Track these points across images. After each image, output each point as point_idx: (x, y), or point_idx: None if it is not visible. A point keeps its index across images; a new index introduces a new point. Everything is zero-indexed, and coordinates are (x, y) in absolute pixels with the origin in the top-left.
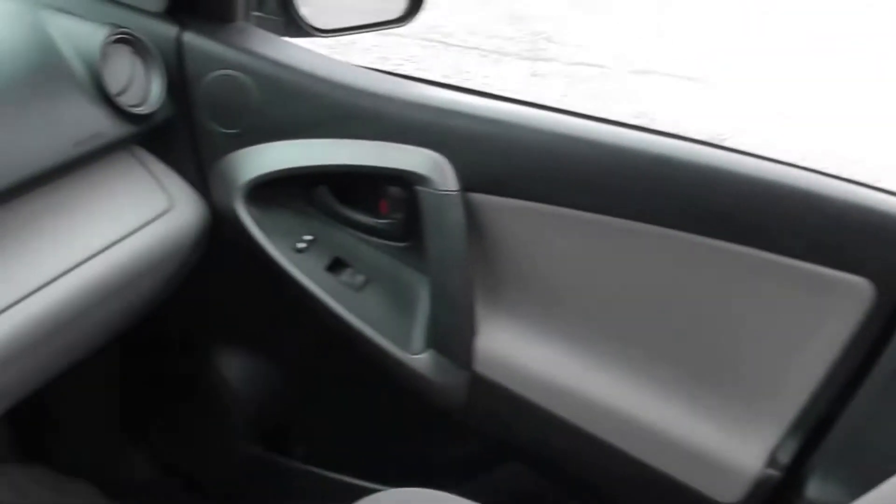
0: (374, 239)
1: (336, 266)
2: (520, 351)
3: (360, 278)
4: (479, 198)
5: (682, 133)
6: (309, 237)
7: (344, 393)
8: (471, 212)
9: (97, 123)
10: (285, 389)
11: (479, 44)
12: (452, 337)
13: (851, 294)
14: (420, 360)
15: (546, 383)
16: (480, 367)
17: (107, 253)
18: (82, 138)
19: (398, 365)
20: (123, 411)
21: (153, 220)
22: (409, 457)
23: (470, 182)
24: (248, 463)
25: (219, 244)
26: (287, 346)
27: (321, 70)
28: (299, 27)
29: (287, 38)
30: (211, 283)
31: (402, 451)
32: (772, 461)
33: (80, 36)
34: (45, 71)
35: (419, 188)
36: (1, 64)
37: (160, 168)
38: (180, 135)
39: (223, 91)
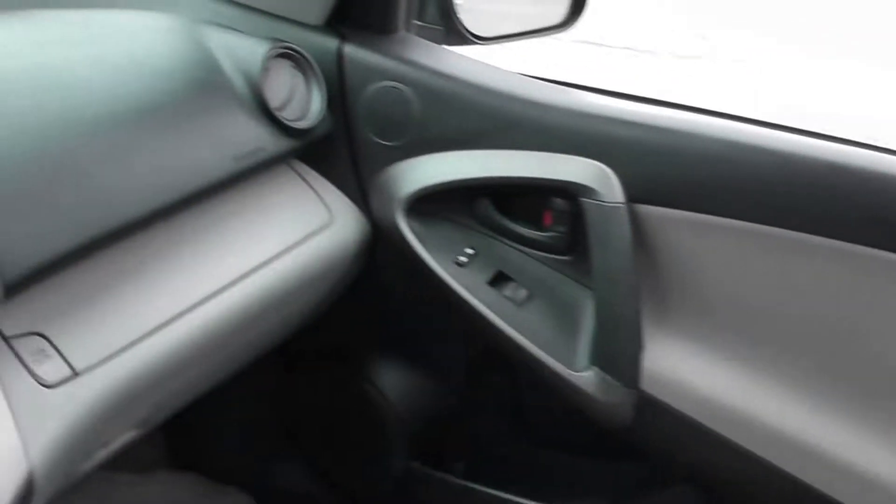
0: (537, 252)
1: (498, 280)
2: (688, 370)
3: (522, 293)
4: (645, 209)
5: (857, 139)
6: (470, 251)
7: (504, 408)
8: (637, 224)
9: (258, 138)
10: (444, 404)
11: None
12: (618, 354)
13: None
14: (584, 377)
15: (716, 405)
16: (647, 385)
17: (268, 267)
18: (243, 153)
19: (561, 382)
20: (278, 421)
21: (314, 234)
22: (570, 474)
23: (636, 193)
24: (405, 477)
25: (378, 257)
26: (446, 360)
27: (483, 79)
28: (460, 35)
29: (447, 47)
30: (370, 295)
31: (563, 469)
32: None
33: (241, 51)
34: (206, 87)
35: (584, 200)
36: (163, 81)
37: (320, 182)
38: (340, 148)
39: (384, 103)
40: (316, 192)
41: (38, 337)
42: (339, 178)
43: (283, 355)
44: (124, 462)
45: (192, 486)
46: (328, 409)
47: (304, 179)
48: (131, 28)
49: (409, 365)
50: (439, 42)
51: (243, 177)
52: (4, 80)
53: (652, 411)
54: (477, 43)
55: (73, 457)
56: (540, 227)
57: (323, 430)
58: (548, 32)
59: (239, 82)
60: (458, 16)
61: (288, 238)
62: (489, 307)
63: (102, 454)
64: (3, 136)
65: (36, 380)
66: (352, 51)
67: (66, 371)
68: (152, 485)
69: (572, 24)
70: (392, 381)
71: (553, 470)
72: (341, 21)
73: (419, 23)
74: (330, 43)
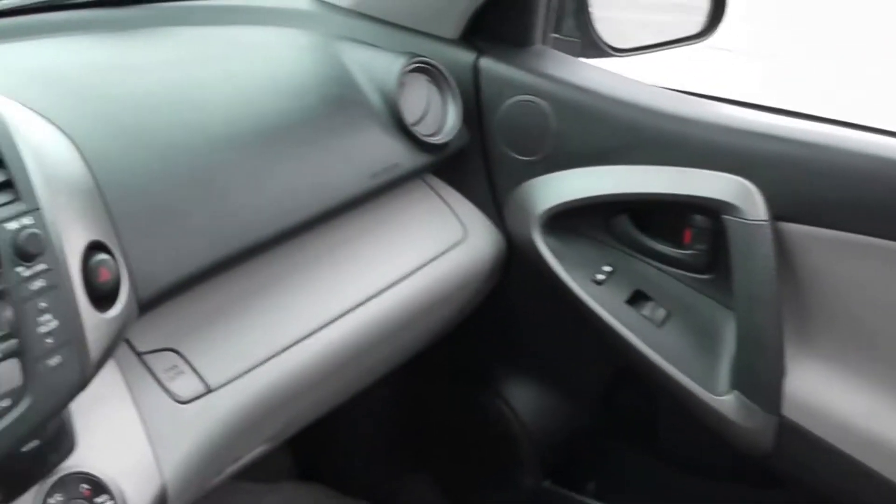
0: (677, 271)
1: (636, 299)
2: (833, 397)
3: (661, 312)
4: (790, 228)
5: None
6: (608, 268)
7: (638, 429)
8: (781, 243)
9: (394, 154)
10: (576, 423)
11: None
12: (759, 378)
13: None
14: (724, 401)
15: (860, 432)
16: (788, 411)
17: (403, 283)
18: (379, 170)
19: (700, 405)
20: (406, 436)
21: (449, 249)
22: (705, 500)
23: (781, 211)
24: (536, 496)
25: (512, 273)
26: (580, 378)
27: (622, 93)
28: (597, 47)
29: (584, 60)
30: (502, 311)
31: (697, 494)
32: None
33: (377, 66)
34: (342, 104)
35: (726, 217)
36: (300, 99)
37: (454, 197)
38: (474, 163)
39: (521, 117)
40: (450, 207)
41: (171, 353)
42: (473, 194)
43: (412, 370)
44: (249, 470)
45: (317, 498)
46: (458, 425)
47: (438, 195)
48: (267, 45)
49: (541, 382)
50: (575, 54)
51: (379, 193)
52: (143, 97)
53: (793, 438)
54: (614, 55)
55: (205, 471)
56: (679, 245)
57: (451, 447)
58: (686, 42)
59: (375, 98)
60: (595, 28)
61: (423, 254)
62: (627, 327)
63: (233, 468)
64: (140, 154)
65: (169, 395)
66: (488, 64)
67: (200, 387)
68: (277, 494)
69: (711, 32)
70: (524, 399)
71: (687, 494)
72: (477, 34)
73: (555, 35)
74: (466, 56)
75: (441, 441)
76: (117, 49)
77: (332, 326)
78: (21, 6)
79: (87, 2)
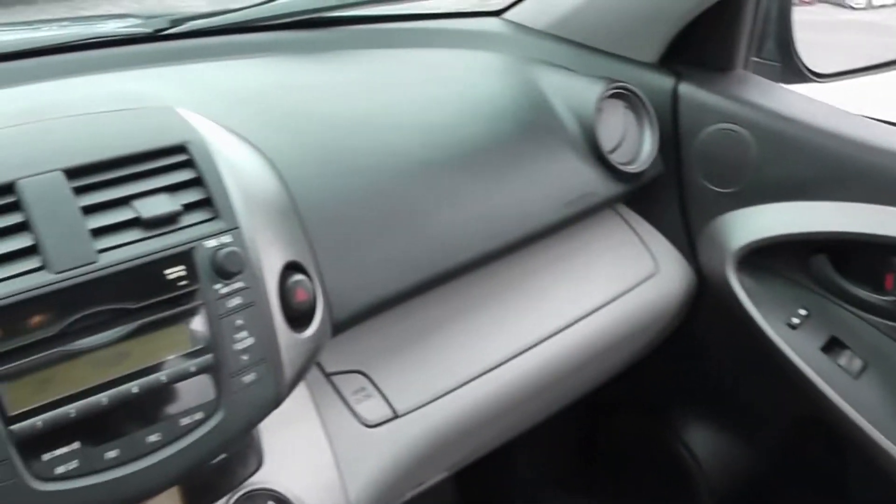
0: (877, 318)
1: (832, 346)
2: None
3: (857, 362)
4: None
5: None
6: (803, 311)
7: (822, 483)
8: None
9: (589, 182)
10: (756, 469)
11: None
12: None
13: None
14: None
15: None
16: None
17: (592, 317)
18: (574, 197)
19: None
20: (577, 467)
21: (639, 283)
22: None
23: None
24: None
25: (701, 310)
26: (764, 423)
27: (827, 123)
28: (798, 72)
29: (786, 86)
30: (687, 348)
31: None
32: None
33: (574, 91)
34: (538, 128)
35: None
36: (497, 122)
37: (646, 228)
38: (668, 193)
39: (719, 146)
40: (641, 239)
41: (359, 375)
42: (665, 225)
43: (587, 402)
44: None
45: None
46: (631, 462)
47: (629, 225)
48: (460, 68)
49: (721, 424)
50: (775, 79)
51: (572, 222)
52: (338, 119)
53: None
54: (817, 81)
55: (388, 496)
56: (881, 290)
57: (624, 482)
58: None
59: (571, 124)
60: (797, 51)
61: (613, 288)
62: (821, 375)
63: (412, 493)
64: (336, 175)
65: (357, 418)
66: (687, 90)
67: (387, 412)
68: None
69: None
70: (702, 439)
71: None
72: (676, 58)
73: (755, 59)
74: (665, 82)
75: (613, 476)
76: (311, 70)
77: (520, 358)
78: (214, 27)
79: (280, 24)
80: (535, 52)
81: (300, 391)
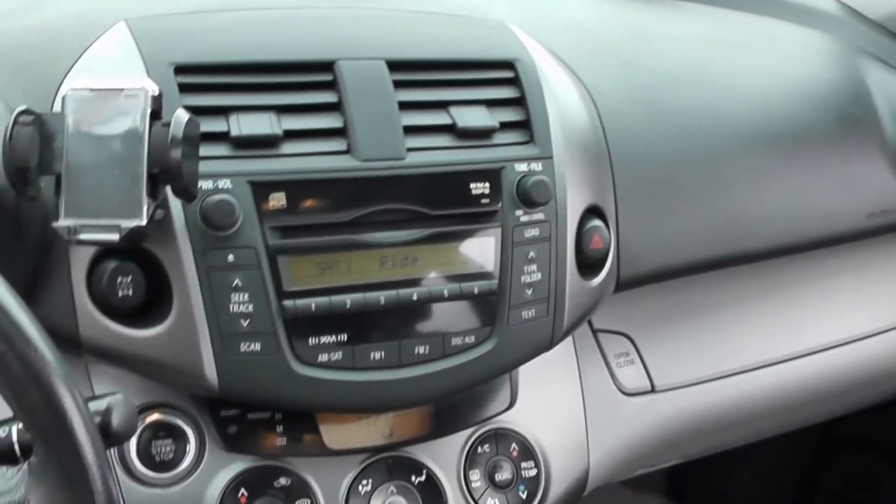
0: None
1: None
2: None
3: None
4: None
5: None
6: None
7: None
8: None
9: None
10: None
11: None
12: None
13: None
14: None
15: None
16: None
17: (872, 340)
18: (877, 210)
19: None
20: (793, 496)
21: None
22: None
23: None
24: None
25: None
26: None
27: None
28: None
29: None
30: None
31: None
32: None
33: None
34: (858, 126)
35: None
36: (820, 109)
37: None
38: None
39: None
40: None
41: (626, 340)
42: None
43: (818, 435)
44: None
45: None
46: (857, 501)
47: None
48: (791, 42)
49: None
50: None
51: (868, 235)
52: (667, 70)
53: None
54: None
55: (623, 470)
56: None
57: None
58: None
59: (891, 130)
60: None
61: (885, 319)
62: None
63: (641, 472)
64: (656, 127)
65: (615, 383)
66: None
67: (645, 383)
68: None
69: None
70: None
71: None
72: None
73: None
74: None
75: None
76: (646, 17)
77: (789, 365)
78: None
79: None
80: (865, 42)
81: (566, 343)
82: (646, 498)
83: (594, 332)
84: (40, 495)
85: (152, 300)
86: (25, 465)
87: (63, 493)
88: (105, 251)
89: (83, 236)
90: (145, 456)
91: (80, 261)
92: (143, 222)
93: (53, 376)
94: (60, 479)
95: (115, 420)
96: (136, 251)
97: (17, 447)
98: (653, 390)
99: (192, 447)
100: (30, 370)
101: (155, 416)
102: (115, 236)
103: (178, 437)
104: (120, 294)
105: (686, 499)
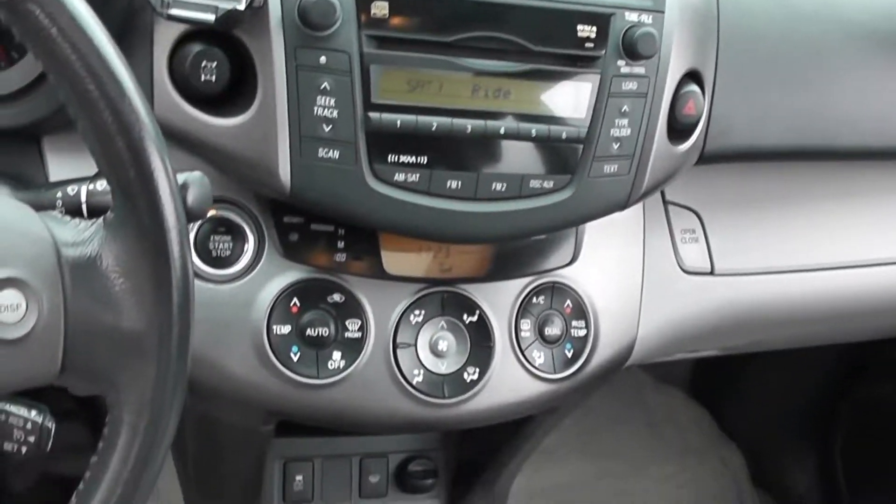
0: None
1: None
2: None
3: None
4: None
5: None
6: None
7: None
8: None
9: None
10: None
11: None
12: None
13: None
14: None
15: None
16: None
17: None
18: None
19: None
20: (809, 411)
21: None
22: None
23: None
24: None
25: None
26: None
27: None
28: None
29: None
30: None
31: None
32: None
33: None
34: None
35: None
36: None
37: None
38: None
39: None
40: None
41: (694, 216)
42: None
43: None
44: None
45: None
46: (868, 424)
47: None
48: None
49: None
50: None
51: None
52: None
53: None
54: None
55: (665, 349)
56: None
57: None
58: None
59: None
60: None
61: None
62: None
63: (679, 356)
64: (776, 6)
65: (676, 258)
66: None
67: (706, 264)
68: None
69: None
70: None
71: None
72: None
73: None
74: None
75: (844, 434)
76: None
77: (852, 272)
78: None
79: None
80: None
81: (635, 210)
82: (667, 389)
83: (665, 203)
84: (115, 252)
85: (231, 92)
86: (101, 220)
87: (138, 257)
88: (191, 33)
89: (176, 11)
90: (202, 249)
91: (165, 38)
92: (242, 6)
93: (144, 131)
94: (136, 240)
95: (191, 197)
96: (225, 37)
97: (84, 207)
98: (712, 272)
99: (249, 248)
100: (119, 120)
101: (216, 211)
102: (210, 16)
103: (237, 235)
104: (203, 78)
105: (706, 396)
